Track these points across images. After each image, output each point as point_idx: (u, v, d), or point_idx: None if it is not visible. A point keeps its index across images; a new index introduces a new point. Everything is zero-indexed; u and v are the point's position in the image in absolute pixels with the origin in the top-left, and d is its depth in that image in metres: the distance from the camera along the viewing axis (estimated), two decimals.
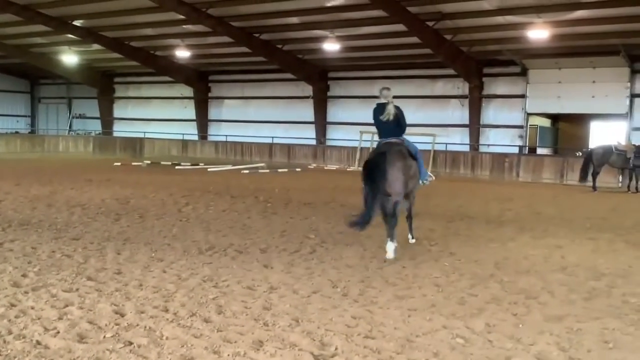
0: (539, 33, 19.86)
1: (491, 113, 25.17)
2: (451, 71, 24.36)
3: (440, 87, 26.27)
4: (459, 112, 25.72)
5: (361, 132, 26.35)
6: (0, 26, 27.75)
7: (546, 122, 27.46)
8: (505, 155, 23.25)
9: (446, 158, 24.43)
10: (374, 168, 7.92)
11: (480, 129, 25.22)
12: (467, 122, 25.23)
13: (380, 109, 8.63)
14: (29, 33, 28.51)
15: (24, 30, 27.98)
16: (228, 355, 4.25)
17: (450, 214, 12.07)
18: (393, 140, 8.62)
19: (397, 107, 8.71)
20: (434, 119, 25.70)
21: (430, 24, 20.82)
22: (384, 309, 5.43)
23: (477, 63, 24.30)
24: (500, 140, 24.77)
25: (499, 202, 14.67)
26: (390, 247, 7.77)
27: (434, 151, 24.50)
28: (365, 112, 27.31)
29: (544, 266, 7.45)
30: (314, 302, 5.58)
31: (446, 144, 24.78)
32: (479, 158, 23.74)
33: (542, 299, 5.92)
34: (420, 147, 23.44)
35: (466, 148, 25.05)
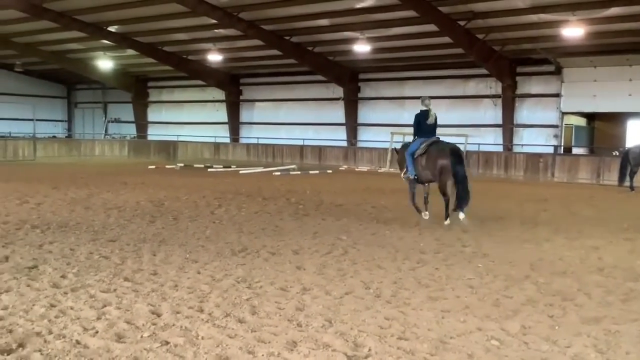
0: (573, 31, 19.53)
1: (525, 112, 24.82)
2: (483, 71, 24.12)
3: (472, 87, 26.02)
4: (492, 112, 25.44)
5: (392, 134, 26.26)
6: (38, 33, 28.44)
7: (582, 121, 26.95)
8: (540, 155, 22.89)
9: (479, 158, 24.19)
10: (454, 152, 10.74)
11: (514, 128, 24.90)
12: (500, 122, 24.94)
13: (425, 114, 11.34)
14: (65, 39, 29.17)
15: (60, 36, 28.65)
16: (262, 355, 4.29)
17: (483, 214, 11.94)
18: (435, 139, 11.35)
19: (435, 114, 11.41)
20: (466, 119, 25.50)
21: (461, 23, 20.66)
22: (417, 310, 5.41)
23: (510, 62, 24.01)
24: (534, 140, 24.41)
25: (534, 202, 14.47)
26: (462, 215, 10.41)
27: (467, 152, 24.28)
28: (395, 113, 27.68)
29: (580, 267, 7.33)
30: (347, 303, 5.59)
31: (479, 144, 24.53)
32: (512, 158, 23.44)
33: (579, 301, 5.83)
34: None
35: (499, 148, 24.76)
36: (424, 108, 11.37)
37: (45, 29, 27.40)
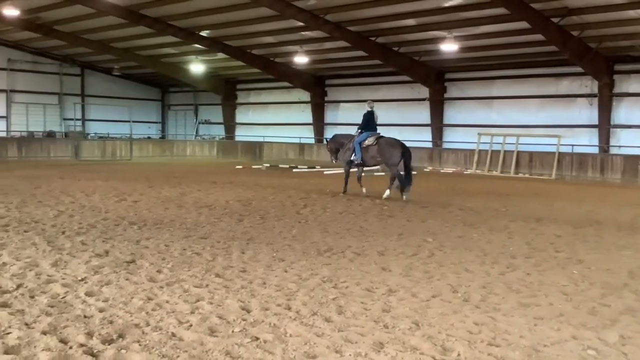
0: None
1: (623, 112, 23.50)
2: (577, 69, 23.09)
3: (565, 86, 24.95)
4: (587, 112, 24.28)
5: (479, 134, 25.68)
6: (134, 38, 29.90)
7: None
8: (639, 157, 21.66)
9: (572, 160, 23.22)
10: (403, 145, 13.92)
11: (611, 129, 23.64)
12: (595, 122, 23.76)
13: (372, 114, 14.67)
14: (160, 44, 30.49)
15: (156, 41, 29.96)
16: (350, 355, 4.31)
17: (577, 219, 11.46)
18: (378, 134, 14.61)
19: (377, 114, 14.83)
20: (558, 120, 24.50)
21: (555, 20, 19.87)
22: (508, 317, 5.26)
23: (607, 60, 22.82)
24: (632, 142, 23.05)
25: (632, 207, 13.71)
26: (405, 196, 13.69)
27: (559, 153, 23.35)
28: (483, 114, 27.07)
29: None
30: (434, 306, 5.52)
31: (572, 145, 23.52)
32: (609, 160, 22.32)
33: None
34: (543, 148, 23.54)
35: (595, 150, 23.60)
36: (369, 109, 14.70)
37: (141, 34, 28.75)
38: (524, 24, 20.13)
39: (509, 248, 8.46)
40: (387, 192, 14.06)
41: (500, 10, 19.52)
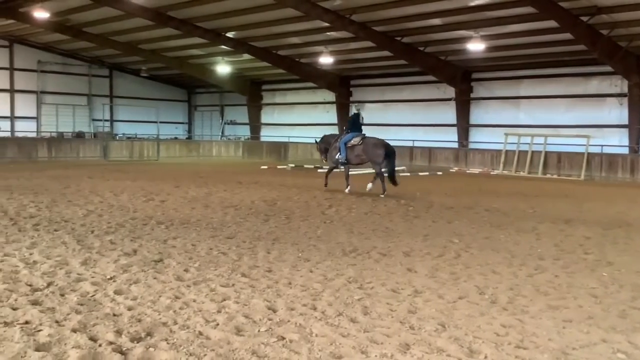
0: None
1: None
2: (607, 68, 22.70)
3: (594, 86, 24.55)
4: (617, 112, 23.83)
5: (506, 135, 25.41)
6: (162, 40, 30.23)
7: None
8: None
9: (602, 161, 22.84)
10: (387, 145, 14.87)
11: None
12: (626, 122, 23.32)
13: (358, 116, 15.65)
14: (187, 45, 30.78)
15: (182, 43, 30.26)
16: (375, 356, 4.30)
17: (606, 220, 11.28)
18: (363, 134, 15.48)
19: (363, 116, 15.90)
20: (587, 120, 24.10)
21: (584, 19, 19.56)
22: (536, 319, 5.20)
23: (638, 59, 22.38)
24: None
25: None
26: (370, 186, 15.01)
27: (588, 153, 22.99)
28: (510, 114, 26.83)
29: None
30: (461, 308, 5.48)
31: (602, 145, 23.13)
32: (639, 161, 21.91)
33: None
34: (571, 149, 23.31)
35: (625, 150, 23.18)
36: (356, 111, 15.92)
37: (168, 36, 29.07)
38: (552, 23, 19.87)
39: (537, 250, 8.36)
40: (370, 185, 15.14)
41: (528, 9, 19.29)
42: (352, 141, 15.24)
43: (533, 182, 21.13)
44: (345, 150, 15.25)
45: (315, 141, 17.35)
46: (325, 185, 15.85)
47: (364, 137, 15.29)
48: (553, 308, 5.55)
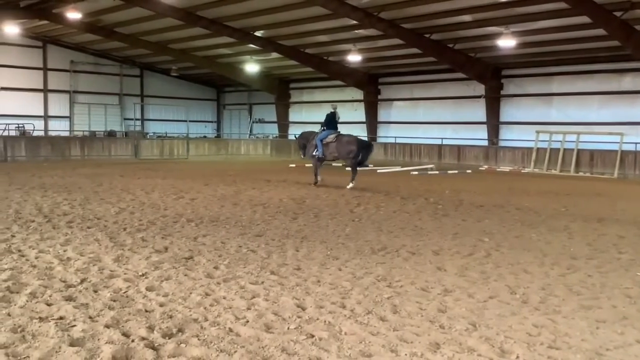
0: None
1: None
2: None
3: (628, 82, 24.03)
4: None
5: (537, 132, 25.05)
6: (192, 39, 30.52)
7: None
8: None
9: (635, 159, 22.36)
10: (360, 142, 16.04)
11: None
12: None
13: (334, 115, 16.55)
14: (216, 45, 31.02)
15: (211, 42, 30.52)
16: (405, 354, 4.29)
17: None
18: (338, 132, 16.42)
19: (339, 114, 16.84)
20: (621, 117, 23.63)
21: (617, 14, 19.16)
22: (569, 319, 5.12)
23: None
24: None
25: None
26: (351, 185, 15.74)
27: (622, 151, 22.53)
28: (541, 111, 26.46)
29: None
30: (491, 308, 5.43)
31: (636, 143, 22.64)
32: None
33: None
34: (604, 146, 23.01)
35: None
36: (332, 110, 16.67)
37: (198, 36, 29.34)
38: (584, 19, 19.52)
39: (570, 249, 8.23)
40: (351, 183, 15.87)
41: (560, 5, 18.97)
42: (327, 138, 16.26)
43: (565, 180, 20.80)
44: (321, 147, 16.30)
45: (295, 137, 18.06)
46: (315, 183, 16.46)
47: (338, 135, 16.23)
48: (586, 308, 5.46)
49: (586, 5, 18.71)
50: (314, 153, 16.62)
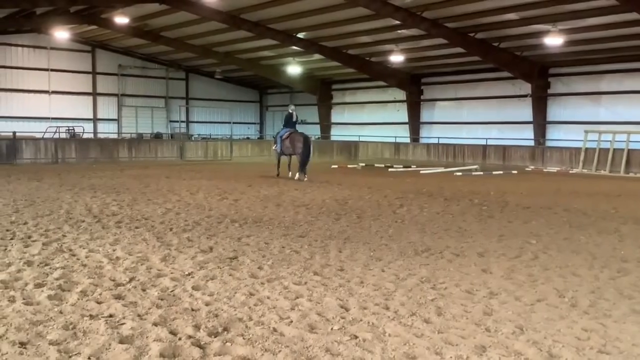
0: None
1: None
2: None
3: None
4: None
5: (586, 132, 24.42)
6: (235, 42, 30.95)
7: None
8: None
9: None
10: (305, 139, 18.17)
11: None
12: None
13: (291, 115, 18.93)
14: (259, 47, 31.37)
15: (255, 45, 30.87)
16: (450, 357, 4.24)
17: None
18: (294, 130, 18.70)
19: (297, 115, 19.40)
20: None
21: None
22: (619, 323, 4.98)
23: None
24: None
25: None
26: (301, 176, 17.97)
27: None
28: (589, 110, 25.84)
29: None
30: (539, 311, 5.32)
31: None
32: None
33: None
34: None
35: None
36: (290, 111, 19.08)
37: (241, 39, 29.72)
38: (634, 15, 18.97)
39: (620, 252, 7.99)
40: (297, 174, 18.08)
41: (609, 1, 18.50)
42: (284, 135, 18.59)
43: (615, 181, 20.21)
44: (280, 143, 18.69)
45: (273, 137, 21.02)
46: (277, 175, 18.93)
47: (291, 132, 18.50)
48: (638, 312, 5.30)
49: (635, 1, 18.18)
50: (273, 148, 19.41)
